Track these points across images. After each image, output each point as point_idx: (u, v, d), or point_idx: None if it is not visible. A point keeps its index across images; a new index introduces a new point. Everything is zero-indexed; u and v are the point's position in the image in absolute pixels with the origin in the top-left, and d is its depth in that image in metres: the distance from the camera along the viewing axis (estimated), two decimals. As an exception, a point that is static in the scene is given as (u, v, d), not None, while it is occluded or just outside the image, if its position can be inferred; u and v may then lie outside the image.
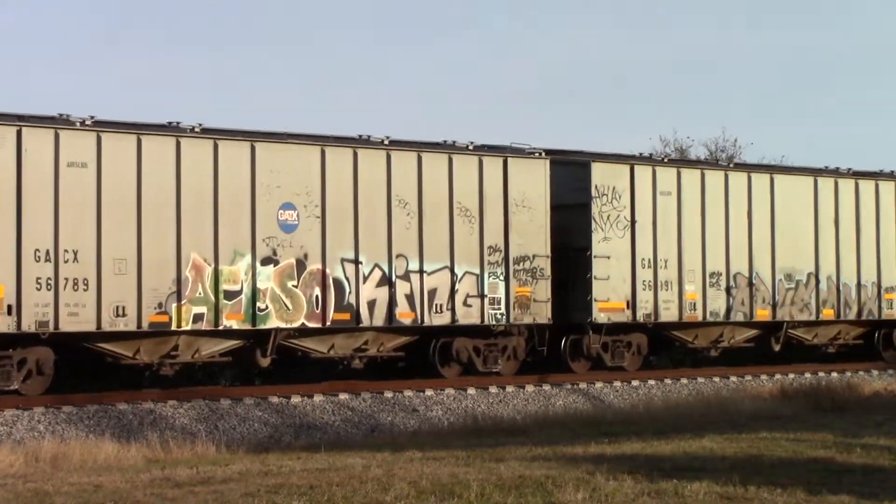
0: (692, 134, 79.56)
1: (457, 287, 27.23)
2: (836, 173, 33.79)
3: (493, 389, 27.34)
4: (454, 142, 27.75)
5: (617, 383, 28.95)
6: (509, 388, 27.53)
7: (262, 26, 74.67)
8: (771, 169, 33.24)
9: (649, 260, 29.86)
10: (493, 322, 27.76)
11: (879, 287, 33.69)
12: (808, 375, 31.67)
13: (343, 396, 25.61)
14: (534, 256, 28.23)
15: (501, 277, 27.80)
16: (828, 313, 32.84)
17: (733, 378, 30.72)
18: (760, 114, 74.02)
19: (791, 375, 31.42)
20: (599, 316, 29.07)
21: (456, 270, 27.25)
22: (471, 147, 27.79)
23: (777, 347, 32.42)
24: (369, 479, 14.82)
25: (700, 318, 30.65)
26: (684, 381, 29.90)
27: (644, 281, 29.71)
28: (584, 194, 29.13)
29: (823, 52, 76.38)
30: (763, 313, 31.77)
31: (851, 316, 33.26)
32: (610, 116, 74.10)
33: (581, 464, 15.95)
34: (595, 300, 28.96)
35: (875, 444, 18.01)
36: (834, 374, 31.90)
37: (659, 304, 29.90)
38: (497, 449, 18.42)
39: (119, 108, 69.43)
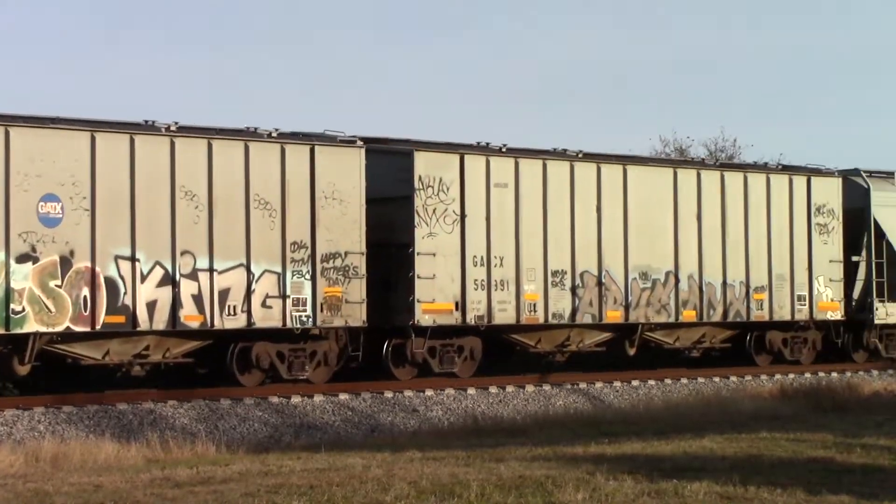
0: (692, 134, 79.65)
1: (254, 287, 24.80)
2: (699, 165, 32.18)
3: (493, 389, 27.35)
4: (255, 128, 25.41)
5: (617, 383, 28.95)
6: (509, 388, 27.54)
7: (262, 26, 74.70)
8: (625, 160, 30.66)
9: (482, 257, 27.41)
10: (298, 325, 25.35)
11: (748, 287, 31.52)
12: (808, 375, 31.68)
13: (343, 396, 25.61)
14: (346, 253, 25.77)
15: (308, 276, 25.38)
16: (689, 315, 30.54)
17: (733, 378, 30.74)
18: (760, 114, 74.06)
19: (791, 375, 31.43)
20: (423, 318, 26.62)
21: (253, 269, 24.79)
22: (274, 134, 25.41)
23: (632, 352, 30.19)
24: (369, 479, 14.82)
25: (541, 321, 28.20)
26: (684, 381, 29.91)
27: (476, 280, 27.30)
28: (407, 186, 26.75)
29: (823, 52, 76.40)
30: (614, 315, 29.42)
31: (716, 317, 31.08)
32: (610, 116, 74.13)
33: (581, 464, 15.95)
34: (418, 301, 26.54)
35: (875, 444, 18.01)
36: (834, 374, 31.92)
37: (493, 305, 27.50)
38: (497, 449, 18.41)
39: (118, 109, 69.45)
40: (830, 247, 33.00)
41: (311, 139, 25.81)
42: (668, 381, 29.67)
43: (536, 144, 29.67)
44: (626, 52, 75.99)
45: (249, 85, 71.49)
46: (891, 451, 17.30)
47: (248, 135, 25.24)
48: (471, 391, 26.96)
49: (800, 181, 32.67)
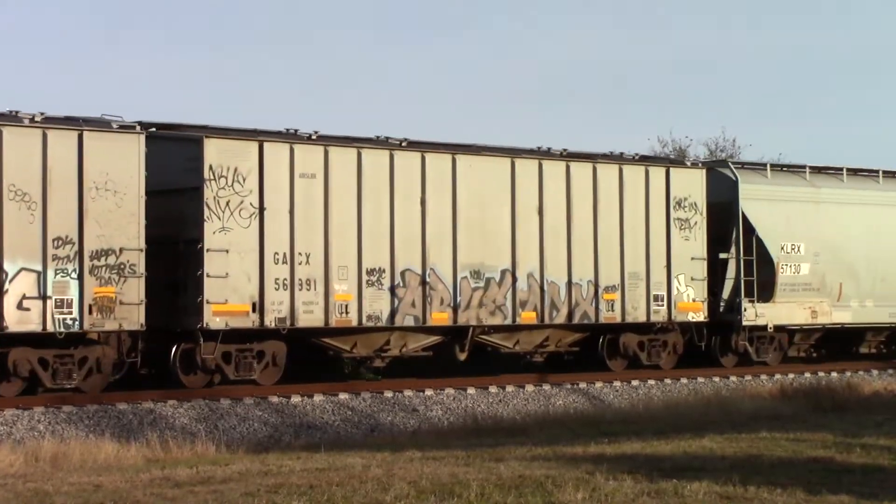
0: (692, 134, 79.65)
1: (7, 287, 22.55)
2: (541, 154, 29.11)
3: (492, 389, 27.35)
4: (16, 111, 23.15)
5: (617, 383, 28.95)
6: (509, 388, 27.54)
7: (262, 26, 74.69)
8: (455, 149, 27.84)
9: (285, 254, 25.16)
10: (62, 328, 23.00)
11: (597, 286, 29.07)
12: (808, 375, 31.67)
13: (343, 396, 25.61)
14: (121, 250, 23.47)
15: (74, 275, 23.06)
16: (528, 316, 28.10)
17: (733, 378, 30.73)
18: (760, 114, 74.04)
19: (791, 375, 31.43)
20: (214, 321, 24.41)
21: (6, 266, 22.55)
22: (38, 118, 23.13)
23: (463, 356, 27.85)
24: (369, 479, 14.82)
25: (355, 323, 25.95)
26: (684, 380, 29.90)
27: (277, 279, 25.03)
28: (196, 176, 24.56)
29: (823, 52, 76.40)
30: (441, 317, 27.05)
31: (560, 319, 28.59)
32: (610, 116, 74.10)
33: (581, 464, 15.95)
34: (208, 302, 24.30)
35: (875, 444, 18.00)
36: (834, 374, 31.91)
37: (297, 306, 25.24)
38: (497, 449, 18.42)
39: (119, 109, 69.42)
40: (692, 243, 30.62)
41: (80, 124, 23.50)
42: (667, 381, 29.67)
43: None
44: (626, 52, 76.00)
45: (249, 85, 71.48)
46: (891, 450, 17.30)
47: (5, 119, 23.00)
48: (471, 391, 26.96)
49: (657, 173, 30.32)
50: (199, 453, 19.59)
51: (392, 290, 26.49)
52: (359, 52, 74.73)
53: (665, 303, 30.19)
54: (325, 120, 75.17)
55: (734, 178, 31.71)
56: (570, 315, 28.80)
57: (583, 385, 28.54)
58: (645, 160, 30.96)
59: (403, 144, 27.18)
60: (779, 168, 33.73)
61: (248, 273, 24.87)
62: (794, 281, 32.24)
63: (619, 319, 29.50)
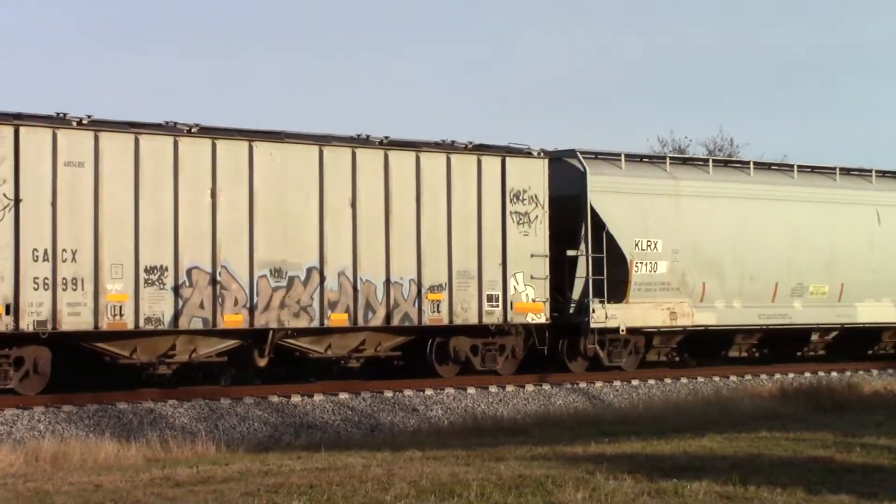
0: (692, 134, 79.66)
1: None
2: (355, 142, 26.27)
3: (493, 389, 27.35)
4: None
5: (617, 383, 28.94)
6: (509, 388, 27.53)
7: (262, 26, 74.70)
8: (251, 135, 25.18)
9: (46, 251, 22.73)
10: None
11: (420, 286, 26.45)
12: (807, 375, 31.66)
13: (343, 396, 25.61)
14: None
15: None
16: (338, 318, 25.60)
17: (733, 377, 30.72)
18: (760, 114, 74.07)
19: (791, 375, 31.42)
20: None
21: None
22: None
23: (262, 362, 25.40)
24: (369, 479, 14.82)
25: (131, 326, 23.50)
26: (684, 380, 29.90)
27: (36, 278, 22.62)
28: None
29: (824, 52, 76.41)
30: (234, 319, 24.56)
31: (376, 322, 26.00)
32: (610, 116, 74.13)
33: (581, 463, 15.96)
34: None
35: (875, 444, 18.01)
36: (834, 374, 31.91)
37: (61, 308, 22.79)
38: (497, 448, 18.43)
39: (118, 109, 69.47)
40: (533, 239, 27.83)
41: None
42: (667, 380, 29.66)
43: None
44: (627, 52, 76.02)
45: (249, 85, 71.49)
46: (891, 450, 17.31)
47: None
48: (471, 391, 26.95)
49: (491, 163, 27.54)
50: (200, 453, 19.60)
51: (176, 289, 24.01)
52: (359, 52, 74.76)
53: (500, 303, 27.49)
54: (326, 120, 75.16)
55: (582, 169, 29.15)
56: (389, 317, 26.18)
57: (583, 385, 28.53)
58: (479, 149, 27.73)
59: (193, 130, 24.58)
60: (637, 159, 30.85)
61: (2, 271, 22.51)
62: (650, 280, 29.70)
63: (446, 321, 26.84)
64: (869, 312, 33.55)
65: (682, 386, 29.46)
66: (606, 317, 29.00)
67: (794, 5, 76.88)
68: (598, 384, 28.71)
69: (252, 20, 74.88)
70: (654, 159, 31.47)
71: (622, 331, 29.38)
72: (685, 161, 32.06)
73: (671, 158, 31.40)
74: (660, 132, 70.56)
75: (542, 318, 28.03)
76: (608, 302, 29.04)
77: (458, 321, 27.01)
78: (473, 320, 27.22)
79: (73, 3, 71.85)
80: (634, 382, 29.15)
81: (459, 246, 27.10)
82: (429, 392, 26.52)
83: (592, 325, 28.91)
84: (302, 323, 25.32)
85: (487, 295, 27.35)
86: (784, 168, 33.58)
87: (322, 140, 25.88)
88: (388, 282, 26.19)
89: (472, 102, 74.98)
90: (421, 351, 27.37)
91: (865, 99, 75.56)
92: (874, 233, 33.91)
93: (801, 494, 13.63)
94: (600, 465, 15.42)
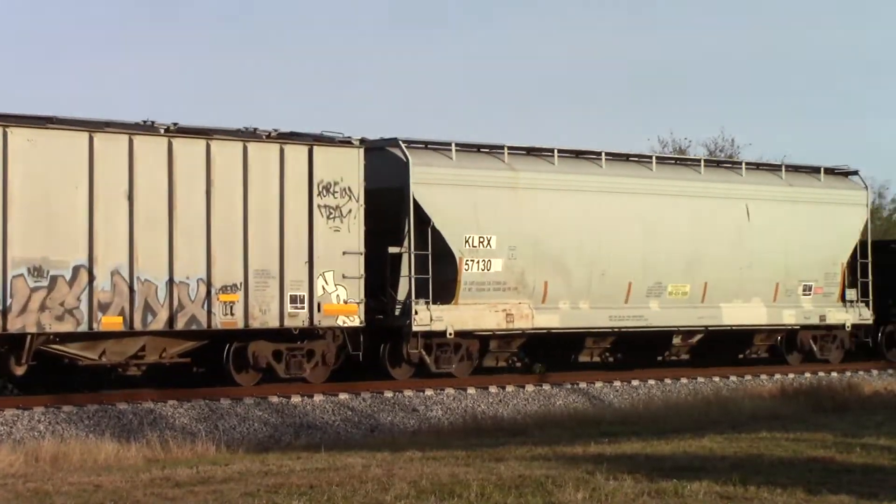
0: (691, 134, 79.70)
1: None
2: (135, 129, 24.06)
3: (493, 389, 27.36)
4: None
5: (617, 383, 28.96)
6: (509, 388, 27.54)
7: (262, 26, 74.72)
8: (7, 120, 22.77)
9: None
10: None
11: (210, 285, 24.20)
12: (808, 375, 31.66)
13: (343, 396, 25.60)
14: None
15: None
16: (111, 322, 23.29)
17: (733, 378, 30.72)
18: (760, 114, 74.09)
19: (791, 375, 31.42)
20: None
21: None
22: None
23: (20, 370, 23.06)
24: (369, 479, 14.82)
25: None
26: (684, 380, 29.91)
27: None
28: None
29: (823, 52, 76.44)
30: None
31: (158, 325, 23.76)
32: (610, 116, 74.16)
33: (581, 463, 15.95)
34: None
35: (875, 444, 18.01)
36: (834, 374, 31.90)
37: None
38: (497, 449, 18.42)
39: (119, 109, 69.51)
40: (345, 235, 25.69)
41: None
42: (667, 380, 29.68)
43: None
44: (626, 52, 76.04)
45: (249, 85, 71.50)
46: (891, 450, 17.31)
47: None
48: (471, 391, 26.96)
49: (297, 152, 25.39)
50: (200, 453, 19.60)
51: None
52: (359, 52, 74.78)
53: (306, 305, 25.29)
54: (326, 119, 75.14)
55: (405, 160, 26.97)
56: (172, 320, 23.86)
57: (583, 385, 28.53)
58: (283, 137, 25.52)
59: None
60: (471, 149, 28.49)
61: None
62: (483, 279, 27.63)
63: (241, 325, 24.67)
64: (736, 314, 31.38)
65: (682, 386, 29.47)
66: (431, 319, 26.84)
67: (794, 5, 76.93)
68: (598, 384, 28.73)
69: (251, 19, 74.92)
70: (492, 149, 28.75)
71: (450, 334, 27.16)
72: (529, 151, 29.26)
73: (510, 149, 28.78)
74: (660, 132, 70.55)
75: (355, 320, 25.84)
76: (435, 303, 27.00)
77: (255, 324, 24.79)
78: (274, 323, 25.03)
79: (74, 2, 71.94)
80: (634, 383, 29.16)
81: (258, 243, 24.88)
82: (429, 392, 26.53)
83: (415, 328, 26.70)
84: (67, 327, 22.98)
85: (291, 296, 25.19)
86: (642, 160, 31.10)
87: (93, 126, 23.54)
88: (171, 281, 23.90)
89: (472, 102, 75.00)
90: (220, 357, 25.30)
91: (865, 99, 75.60)
92: (743, 229, 31.57)
93: (801, 495, 13.63)
94: (600, 465, 15.42)
